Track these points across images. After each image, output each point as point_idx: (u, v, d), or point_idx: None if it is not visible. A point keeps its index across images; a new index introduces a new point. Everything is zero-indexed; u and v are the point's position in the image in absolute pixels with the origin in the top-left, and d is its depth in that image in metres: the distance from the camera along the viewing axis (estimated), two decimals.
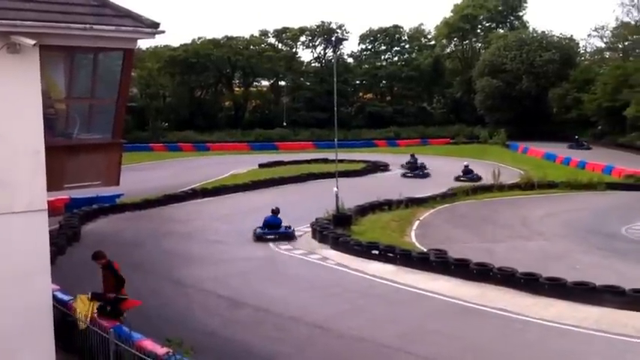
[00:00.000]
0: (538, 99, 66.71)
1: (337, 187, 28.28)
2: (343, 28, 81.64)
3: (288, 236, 25.93)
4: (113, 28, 11.40)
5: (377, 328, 16.09)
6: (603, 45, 74.48)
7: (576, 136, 60.06)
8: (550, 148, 55.87)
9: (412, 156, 46.63)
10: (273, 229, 25.99)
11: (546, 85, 66.17)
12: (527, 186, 37.85)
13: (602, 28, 72.17)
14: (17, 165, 10.93)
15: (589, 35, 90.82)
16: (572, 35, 75.77)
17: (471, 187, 35.87)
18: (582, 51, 76.47)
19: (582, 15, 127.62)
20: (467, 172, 42.76)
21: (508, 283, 19.05)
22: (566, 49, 70.08)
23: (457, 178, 41.69)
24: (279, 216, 26.36)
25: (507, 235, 26.83)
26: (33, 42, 10.41)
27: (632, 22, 67.39)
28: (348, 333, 15.73)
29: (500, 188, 36.93)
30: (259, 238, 25.69)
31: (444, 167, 47.85)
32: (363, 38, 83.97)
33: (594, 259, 22.68)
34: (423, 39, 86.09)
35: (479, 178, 41.38)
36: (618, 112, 56.73)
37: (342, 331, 15.85)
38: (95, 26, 11.14)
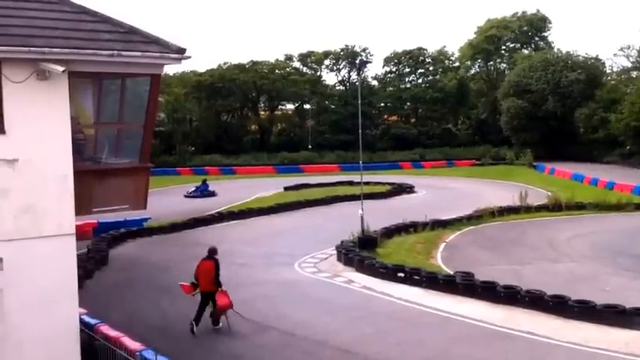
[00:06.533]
0: (564, 119, 66.09)
1: (362, 210, 28.25)
2: (367, 51, 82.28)
3: None
4: (140, 54, 11.57)
5: (403, 352, 15.93)
6: (630, 64, 73.81)
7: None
8: (577, 168, 55.27)
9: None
10: None
11: (572, 106, 65.55)
12: (554, 207, 37.38)
13: (628, 47, 71.54)
14: (46, 190, 11.10)
15: (615, 55, 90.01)
16: (597, 55, 75.23)
17: (497, 208, 35.41)
18: (608, 70, 75.77)
19: (607, 35, 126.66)
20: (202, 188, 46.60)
21: (536, 305, 18.77)
22: (591, 68, 69.44)
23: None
24: None
25: (535, 257, 26.46)
26: (62, 68, 10.61)
27: None
28: (374, 357, 15.57)
29: (528, 210, 36.56)
30: None
31: (468, 189, 47.60)
32: (387, 61, 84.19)
33: (623, 281, 22.26)
34: (446, 61, 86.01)
35: (212, 194, 46.00)
36: None
37: (368, 355, 15.71)
38: (122, 52, 11.33)
